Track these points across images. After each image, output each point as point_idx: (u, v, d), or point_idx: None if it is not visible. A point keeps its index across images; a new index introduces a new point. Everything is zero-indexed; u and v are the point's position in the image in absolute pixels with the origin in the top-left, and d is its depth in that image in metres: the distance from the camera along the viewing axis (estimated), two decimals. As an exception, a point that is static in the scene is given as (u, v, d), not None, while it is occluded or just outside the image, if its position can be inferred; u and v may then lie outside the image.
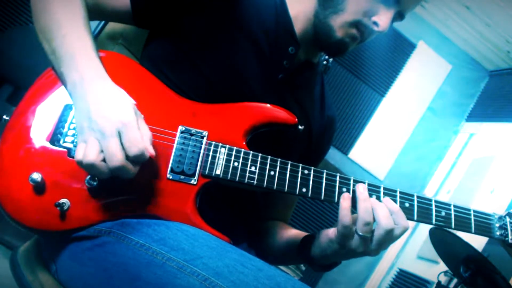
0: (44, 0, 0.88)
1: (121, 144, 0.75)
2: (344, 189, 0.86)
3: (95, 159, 0.74)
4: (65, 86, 0.83)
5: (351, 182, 0.87)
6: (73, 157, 0.81)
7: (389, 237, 0.82)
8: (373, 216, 0.82)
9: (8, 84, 2.54)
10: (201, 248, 0.75)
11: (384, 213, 0.82)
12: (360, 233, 0.82)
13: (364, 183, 0.87)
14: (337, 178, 0.87)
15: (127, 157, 0.75)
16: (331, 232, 0.86)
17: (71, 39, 0.83)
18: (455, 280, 2.32)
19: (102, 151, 0.74)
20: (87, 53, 0.83)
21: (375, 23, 0.94)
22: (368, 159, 3.53)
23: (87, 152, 0.74)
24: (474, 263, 1.92)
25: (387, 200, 0.85)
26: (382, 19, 0.93)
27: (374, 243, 0.83)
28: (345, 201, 0.84)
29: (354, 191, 0.86)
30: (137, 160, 0.76)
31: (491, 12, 3.05)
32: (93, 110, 0.76)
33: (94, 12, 0.93)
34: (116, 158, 0.74)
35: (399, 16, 0.97)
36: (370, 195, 0.85)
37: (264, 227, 1.14)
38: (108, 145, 0.74)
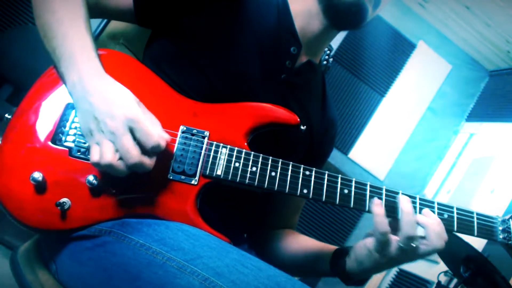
0: (45, 2, 0.87)
1: (135, 139, 0.75)
2: (346, 191, 0.86)
3: (112, 159, 0.74)
4: (66, 86, 0.83)
5: (353, 183, 0.86)
6: (74, 156, 0.81)
7: (434, 252, 0.82)
8: (416, 231, 0.81)
9: (8, 84, 2.54)
10: (201, 248, 0.75)
11: (437, 232, 0.81)
12: (402, 245, 0.81)
13: (366, 184, 0.87)
14: (339, 180, 0.86)
15: (143, 151, 0.76)
16: (369, 242, 0.85)
17: (71, 39, 0.83)
18: (455, 280, 2.32)
19: (117, 150, 0.75)
20: (86, 53, 0.82)
21: None
22: (368, 159, 3.53)
23: (103, 153, 0.74)
24: (474, 263, 1.92)
25: (435, 217, 0.83)
26: None
27: (418, 255, 0.81)
28: (377, 207, 0.82)
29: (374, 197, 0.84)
30: (155, 151, 0.77)
31: (491, 12, 3.05)
32: (98, 110, 0.76)
33: (95, 10, 0.93)
34: (132, 155, 0.74)
35: None
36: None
37: (271, 236, 1.13)
38: (123, 144, 0.74)
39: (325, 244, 1.02)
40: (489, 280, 1.89)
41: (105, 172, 0.78)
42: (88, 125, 0.77)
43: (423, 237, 0.82)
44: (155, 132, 0.76)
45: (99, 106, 0.77)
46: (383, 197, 0.86)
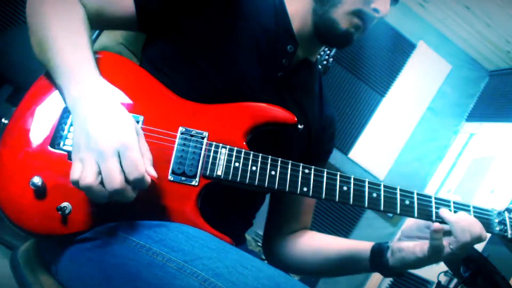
0: (41, 15, 0.86)
1: (121, 166, 0.72)
2: (345, 188, 0.87)
3: (93, 181, 0.70)
4: (64, 99, 0.81)
5: (352, 180, 0.88)
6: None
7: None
8: (469, 235, 0.85)
9: (8, 84, 2.54)
10: (201, 249, 0.75)
11: (479, 227, 0.87)
12: (455, 251, 0.85)
13: (364, 181, 0.88)
14: (338, 177, 0.87)
15: (127, 180, 0.72)
16: (418, 250, 0.88)
17: (70, 51, 0.81)
18: (455, 280, 2.32)
19: (99, 173, 0.71)
20: (86, 66, 0.81)
21: (375, 10, 0.95)
22: (368, 159, 3.53)
23: (85, 173, 0.71)
24: (474, 263, 1.92)
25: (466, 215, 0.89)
26: (381, 4, 0.95)
27: (464, 250, 0.86)
28: (438, 235, 0.85)
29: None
30: (137, 185, 0.73)
31: (491, 12, 3.05)
32: (92, 128, 0.74)
33: (96, 21, 0.91)
34: (115, 181, 0.71)
35: (394, 0, 1.00)
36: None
37: (290, 240, 1.13)
38: (107, 167, 0.71)
39: (356, 242, 1.05)
40: (489, 280, 1.89)
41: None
42: (78, 140, 0.74)
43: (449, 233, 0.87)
44: (141, 166, 0.73)
45: (94, 123, 0.74)
46: (382, 192, 0.88)
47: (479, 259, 1.90)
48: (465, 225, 0.85)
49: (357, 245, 1.03)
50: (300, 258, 1.10)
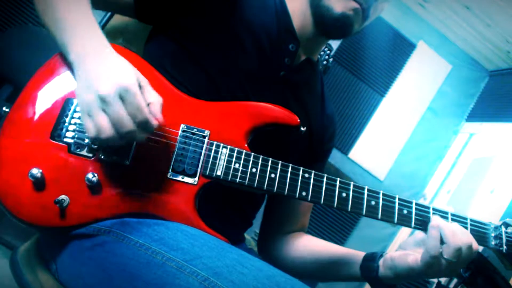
0: None
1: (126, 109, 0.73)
2: (344, 194, 0.87)
3: (111, 132, 0.72)
4: (67, 57, 0.82)
5: (351, 187, 0.87)
6: (73, 153, 0.81)
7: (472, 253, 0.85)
8: (460, 240, 0.83)
9: (8, 84, 2.54)
10: (200, 248, 0.75)
11: (468, 241, 0.84)
12: (450, 259, 0.82)
13: (363, 188, 0.87)
14: (337, 183, 0.87)
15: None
16: (411, 260, 0.86)
17: (76, 13, 0.82)
18: (455, 280, 2.32)
19: (109, 120, 0.73)
20: (90, 25, 0.82)
21: None
22: (368, 159, 3.53)
23: (99, 126, 0.72)
24: (474, 263, 1.91)
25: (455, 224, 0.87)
26: None
27: (460, 264, 0.84)
28: (435, 231, 0.83)
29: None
30: (143, 128, 0.74)
31: (491, 12, 3.05)
32: (93, 77, 0.74)
33: (99, 2, 0.92)
34: (126, 124, 0.72)
35: None
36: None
37: (285, 240, 1.13)
38: (113, 112, 0.72)
39: (349, 250, 1.04)
40: (489, 280, 1.89)
41: (107, 166, 0.76)
42: (82, 93, 0.75)
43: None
44: (145, 109, 0.74)
45: (97, 72, 0.75)
46: (380, 201, 0.87)
47: (479, 259, 1.89)
48: (455, 229, 0.84)
49: (351, 251, 1.02)
50: (293, 259, 1.10)
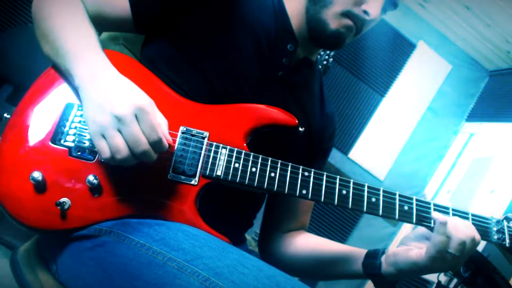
0: (46, 8, 0.87)
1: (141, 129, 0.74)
2: (344, 191, 0.87)
3: (127, 152, 0.73)
4: (72, 82, 0.83)
5: (351, 184, 0.87)
6: (74, 156, 0.81)
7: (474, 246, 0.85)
8: (463, 232, 0.83)
9: (8, 84, 2.54)
10: (201, 248, 0.75)
11: (472, 234, 0.85)
12: (455, 253, 0.83)
13: (363, 185, 0.87)
14: (337, 181, 0.87)
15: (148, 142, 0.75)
16: (415, 255, 0.87)
17: (76, 37, 0.83)
18: (455, 280, 2.32)
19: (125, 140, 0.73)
20: (93, 49, 0.83)
21: (365, 12, 0.95)
22: (368, 159, 3.53)
23: (115, 147, 0.73)
24: (474, 263, 1.91)
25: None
26: (372, 6, 0.94)
27: (464, 257, 0.84)
28: (442, 226, 0.83)
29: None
30: (156, 147, 0.76)
31: (491, 12, 3.05)
32: (105, 99, 0.75)
33: (95, 23, 0.92)
34: (142, 144, 0.73)
35: (392, 4, 0.99)
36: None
37: (285, 239, 1.13)
38: (131, 132, 0.73)
39: (350, 248, 1.03)
40: (489, 280, 1.89)
41: (108, 168, 0.77)
42: (93, 115, 0.75)
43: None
44: (160, 128, 0.76)
45: (107, 93, 0.75)
46: (381, 197, 0.87)
47: (479, 259, 1.89)
48: (458, 223, 0.84)
49: (353, 248, 1.02)
50: (293, 257, 1.09)
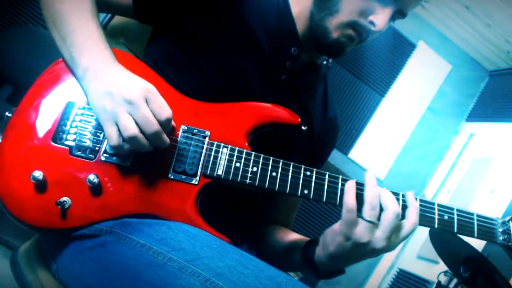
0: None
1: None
2: None
3: (136, 131, 0.74)
4: (76, 71, 0.84)
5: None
6: (74, 155, 0.81)
7: (397, 224, 0.78)
8: (379, 203, 0.79)
9: (8, 84, 2.53)
10: (202, 248, 0.75)
11: (392, 198, 0.80)
12: (367, 218, 0.78)
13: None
14: (339, 180, 0.86)
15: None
16: (336, 225, 0.81)
17: (82, 30, 0.84)
18: (455, 280, 2.32)
19: (135, 121, 0.75)
20: (98, 41, 0.84)
21: (372, 23, 0.92)
22: (368, 159, 3.53)
23: (126, 126, 0.74)
24: (474, 263, 1.91)
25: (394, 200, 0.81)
26: (379, 18, 0.91)
27: (382, 230, 0.78)
28: (350, 187, 0.81)
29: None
30: (166, 127, 0.78)
31: (491, 12, 3.05)
32: (113, 85, 0.77)
33: (99, 4, 0.93)
34: (154, 124, 0.75)
35: (400, 14, 0.95)
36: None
37: (265, 231, 1.13)
38: (143, 113, 0.75)
39: (304, 237, 0.99)
40: (489, 280, 1.89)
41: (108, 168, 0.77)
42: (102, 103, 0.77)
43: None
44: (169, 108, 0.78)
45: (114, 81, 0.78)
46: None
47: (479, 259, 1.90)
48: (374, 191, 0.79)
49: (303, 239, 0.97)
50: (264, 249, 1.09)
